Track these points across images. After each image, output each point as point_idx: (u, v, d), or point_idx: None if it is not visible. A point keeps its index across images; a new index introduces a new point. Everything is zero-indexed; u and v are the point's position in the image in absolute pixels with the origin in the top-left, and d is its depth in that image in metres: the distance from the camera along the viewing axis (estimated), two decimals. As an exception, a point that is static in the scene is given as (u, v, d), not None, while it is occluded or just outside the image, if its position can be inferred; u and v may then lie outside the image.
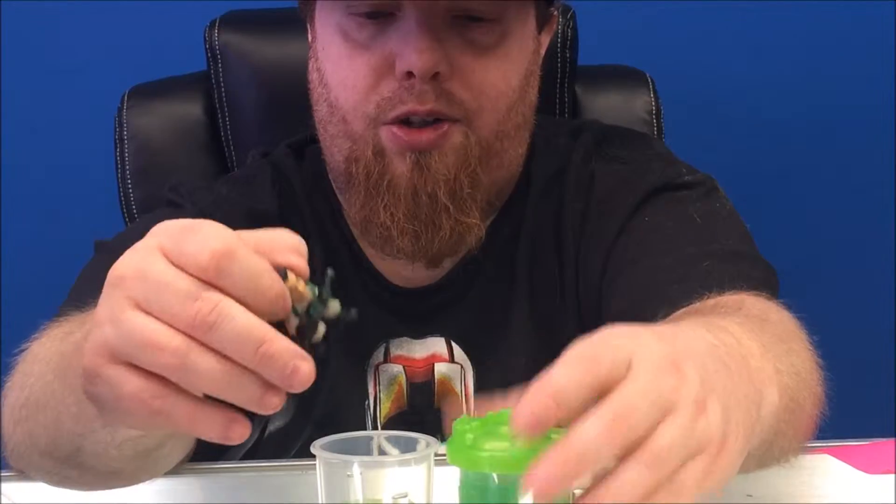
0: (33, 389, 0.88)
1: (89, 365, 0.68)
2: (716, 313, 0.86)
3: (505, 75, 1.10)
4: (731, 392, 0.68)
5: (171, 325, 0.64)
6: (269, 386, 0.65)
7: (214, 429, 0.66)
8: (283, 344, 0.65)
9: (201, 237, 0.65)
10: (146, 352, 0.65)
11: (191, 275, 0.65)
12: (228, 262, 0.64)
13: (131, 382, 0.66)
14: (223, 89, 1.46)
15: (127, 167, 1.43)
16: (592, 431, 0.61)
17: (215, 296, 0.64)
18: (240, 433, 0.66)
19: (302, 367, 0.65)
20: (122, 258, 0.68)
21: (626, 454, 0.62)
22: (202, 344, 0.64)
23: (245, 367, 0.65)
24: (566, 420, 0.63)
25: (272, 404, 0.65)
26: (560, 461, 0.61)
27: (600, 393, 0.63)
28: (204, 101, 1.47)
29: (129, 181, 1.43)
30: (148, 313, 0.65)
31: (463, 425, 0.73)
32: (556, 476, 0.61)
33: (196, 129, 1.47)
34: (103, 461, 0.83)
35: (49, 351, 0.89)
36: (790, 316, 0.94)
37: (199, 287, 0.64)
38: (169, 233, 0.67)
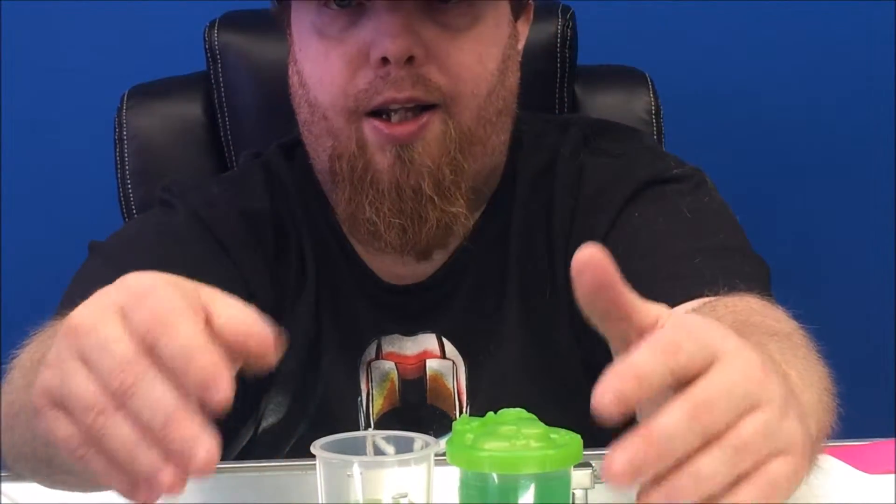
0: (11, 398, 0.88)
1: (34, 403, 0.68)
2: (753, 335, 0.85)
3: (480, 58, 1.10)
4: (798, 408, 0.67)
5: (102, 386, 0.64)
6: (167, 465, 0.63)
7: (122, 487, 0.65)
8: (186, 428, 0.62)
9: (152, 301, 0.64)
10: (76, 405, 0.65)
11: (134, 340, 0.64)
12: (163, 333, 0.63)
13: (63, 428, 0.66)
14: (223, 89, 1.46)
15: (126, 167, 1.43)
16: (675, 417, 0.61)
17: (141, 368, 0.63)
18: (145, 498, 0.65)
19: (198, 454, 0.62)
20: (80, 308, 0.67)
21: (707, 444, 0.61)
22: (122, 411, 0.63)
23: (152, 443, 0.63)
24: (645, 403, 0.62)
25: (163, 484, 0.63)
26: (640, 447, 0.60)
27: (680, 382, 0.62)
28: (203, 101, 1.47)
29: (129, 181, 1.43)
30: (89, 368, 0.65)
31: (463, 425, 0.73)
32: (635, 462, 0.60)
33: (196, 130, 1.47)
34: (79, 472, 0.83)
35: (27, 360, 0.89)
36: (794, 322, 0.94)
37: (135, 355, 0.63)
38: (129, 290, 0.66)
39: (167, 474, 0.63)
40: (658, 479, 0.61)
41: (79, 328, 0.66)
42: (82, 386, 0.65)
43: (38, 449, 0.84)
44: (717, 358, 0.63)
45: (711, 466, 0.61)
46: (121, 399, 0.63)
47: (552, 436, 0.72)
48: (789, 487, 0.64)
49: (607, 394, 0.61)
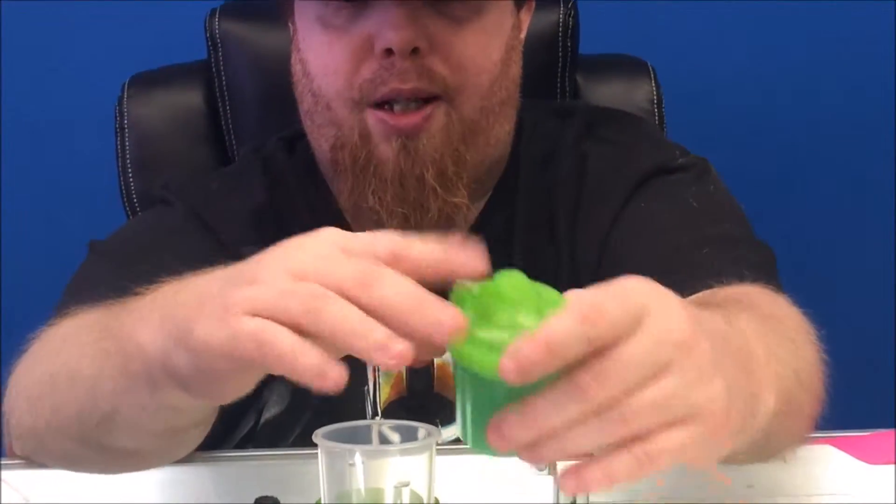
0: (63, 362, 0.89)
1: (226, 315, 0.68)
2: (727, 308, 0.86)
3: (484, 49, 1.11)
4: (734, 379, 0.68)
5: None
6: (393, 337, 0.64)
7: (311, 366, 0.64)
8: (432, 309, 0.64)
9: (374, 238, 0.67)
10: (286, 298, 0.65)
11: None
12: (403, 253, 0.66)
13: (251, 322, 0.66)
14: (224, 78, 1.45)
15: (127, 156, 1.43)
16: (558, 390, 0.61)
17: (378, 271, 0.65)
18: (335, 377, 0.64)
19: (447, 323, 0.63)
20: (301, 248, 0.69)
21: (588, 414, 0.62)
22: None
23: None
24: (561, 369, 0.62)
25: (395, 353, 0.63)
26: (523, 425, 0.62)
27: (599, 347, 0.62)
28: (204, 90, 1.47)
29: (130, 170, 1.43)
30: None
31: (461, 298, 0.68)
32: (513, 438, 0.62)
33: (197, 118, 1.47)
34: (131, 431, 0.85)
35: (84, 329, 0.89)
36: (796, 310, 0.94)
37: (367, 265, 0.66)
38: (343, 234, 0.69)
39: (399, 344, 0.63)
40: (530, 446, 0.63)
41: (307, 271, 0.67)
42: (298, 284, 0.66)
43: (94, 403, 0.84)
44: (642, 320, 0.62)
45: (579, 436, 0.62)
46: (359, 288, 0.64)
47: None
48: (686, 455, 0.64)
49: (512, 359, 0.60)
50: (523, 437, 0.62)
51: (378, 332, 0.64)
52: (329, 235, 0.69)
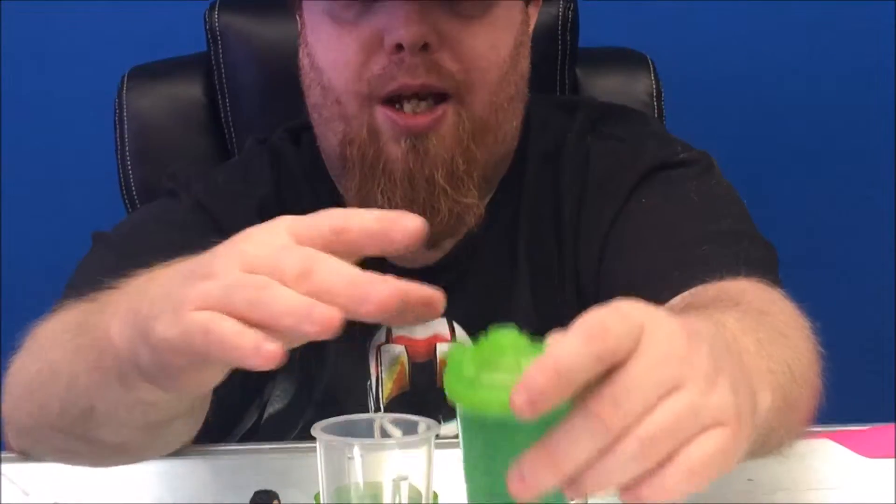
0: (47, 359, 0.89)
1: (172, 314, 0.69)
2: (714, 307, 0.86)
3: (494, 45, 1.10)
4: (735, 377, 0.67)
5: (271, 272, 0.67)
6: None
7: (248, 346, 0.66)
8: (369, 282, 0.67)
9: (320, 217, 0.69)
10: (232, 292, 0.67)
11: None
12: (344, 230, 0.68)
13: (200, 315, 0.67)
14: (223, 70, 1.45)
15: (127, 148, 1.43)
16: (576, 422, 0.60)
17: (316, 255, 0.67)
18: (270, 353, 0.65)
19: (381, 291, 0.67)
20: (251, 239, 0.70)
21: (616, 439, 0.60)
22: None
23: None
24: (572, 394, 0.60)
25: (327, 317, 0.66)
26: (543, 460, 0.60)
27: (609, 365, 0.61)
28: (204, 82, 1.47)
29: (129, 162, 1.43)
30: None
31: (459, 355, 0.68)
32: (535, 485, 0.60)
33: (196, 111, 1.47)
34: (112, 426, 0.85)
35: (65, 325, 0.89)
36: (790, 304, 0.94)
37: (311, 251, 0.67)
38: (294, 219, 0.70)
39: (328, 310, 0.65)
40: (570, 482, 0.61)
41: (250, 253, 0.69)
42: (247, 276, 0.67)
43: (74, 399, 0.85)
44: (641, 336, 0.62)
45: (617, 464, 0.60)
46: (298, 277, 0.66)
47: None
48: (724, 459, 0.63)
49: (522, 390, 0.59)
50: (547, 479, 0.61)
51: (313, 308, 0.65)
52: (280, 224, 0.70)
